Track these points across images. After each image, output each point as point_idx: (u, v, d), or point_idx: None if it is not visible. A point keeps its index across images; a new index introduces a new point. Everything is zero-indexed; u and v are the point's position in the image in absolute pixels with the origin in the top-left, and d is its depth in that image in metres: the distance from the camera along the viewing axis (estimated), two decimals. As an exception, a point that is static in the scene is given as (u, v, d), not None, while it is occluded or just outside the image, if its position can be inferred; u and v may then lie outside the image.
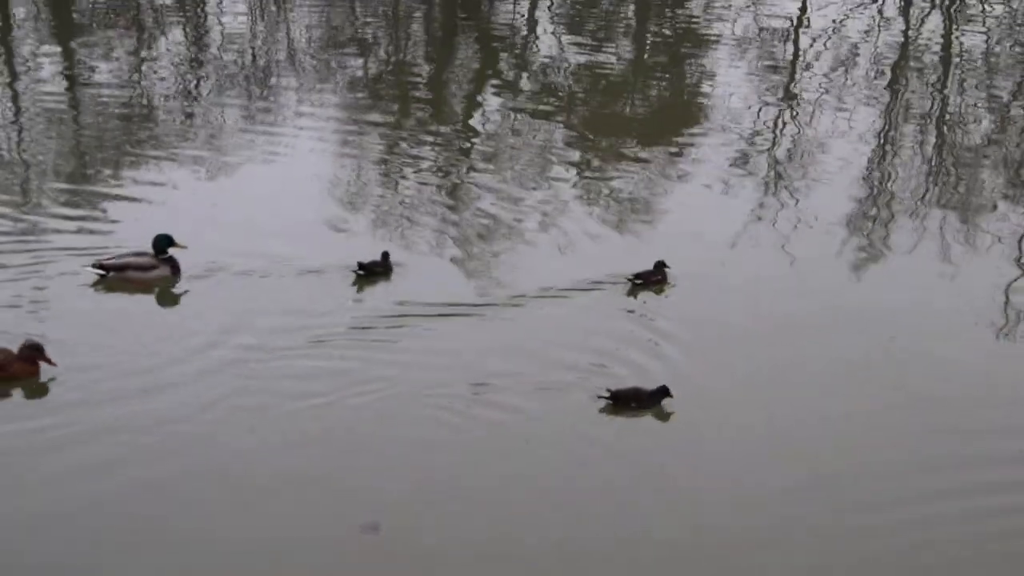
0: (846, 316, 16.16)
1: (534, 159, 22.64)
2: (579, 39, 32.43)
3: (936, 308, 16.60)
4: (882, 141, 24.61)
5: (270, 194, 19.94)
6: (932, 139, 25.12)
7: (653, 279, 16.84)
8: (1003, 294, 17.19)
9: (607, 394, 13.59)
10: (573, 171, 21.85)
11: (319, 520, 11.53)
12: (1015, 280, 17.70)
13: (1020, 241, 19.16)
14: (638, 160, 22.46)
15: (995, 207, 20.85)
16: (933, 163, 23.51)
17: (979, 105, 27.49)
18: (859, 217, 20.09)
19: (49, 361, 13.60)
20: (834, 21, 35.00)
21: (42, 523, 11.36)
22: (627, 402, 13.52)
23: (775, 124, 25.33)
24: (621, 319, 15.94)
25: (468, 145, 23.38)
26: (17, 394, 13.51)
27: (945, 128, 25.93)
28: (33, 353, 13.53)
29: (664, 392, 13.59)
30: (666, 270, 16.86)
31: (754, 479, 12.47)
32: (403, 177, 21.25)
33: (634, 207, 20.27)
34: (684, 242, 17.97)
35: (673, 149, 23.47)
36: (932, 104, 27.63)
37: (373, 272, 16.56)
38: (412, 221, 19.18)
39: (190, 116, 24.49)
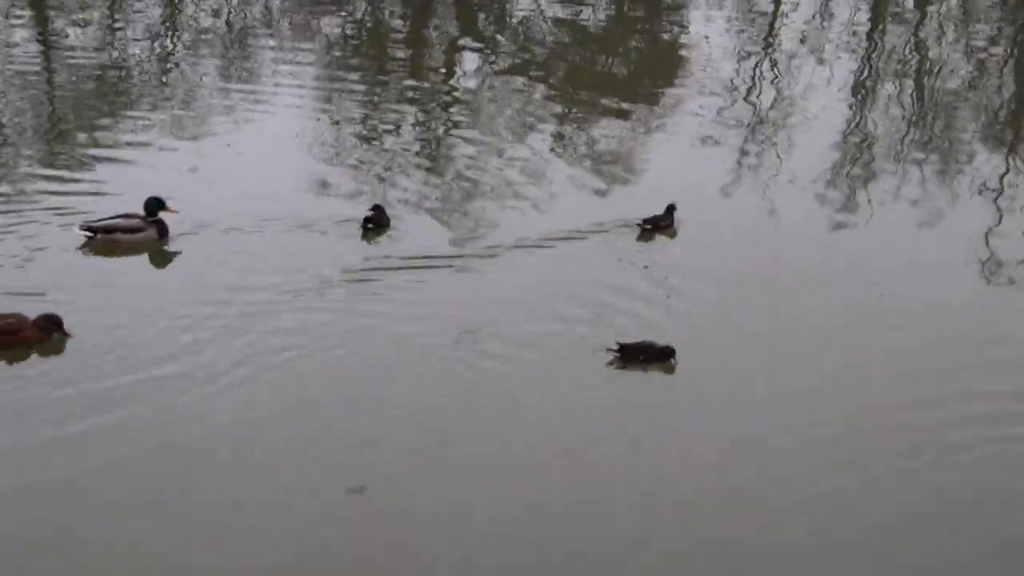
0: (837, 265, 16.22)
1: (515, 114, 22.56)
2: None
3: (923, 256, 16.64)
4: (862, 91, 24.65)
5: (252, 152, 19.83)
6: (912, 87, 25.16)
7: (663, 224, 16.96)
8: (991, 240, 17.27)
9: (615, 347, 13.54)
10: (555, 125, 21.80)
11: (315, 486, 11.38)
12: (1001, 227, 17.83)
13: (1002, 181, 19.31)
14: (619, 113, 22.45)
15: (975, 154, 20.94)
16: (914, 111, 23.56)
17: (958, 53, 27.54)
18: (841, 167, 20.14)
19: (66, 333, 13.63)
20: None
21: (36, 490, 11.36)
22: (635, 356, 13.47)
23: (755, 76, 25.32)
24: (623, 266, 15.96)
25: (449, 100, 23.28)
26: (32, 359, 13.44)
27: (925, 76, 25.98)
28: (50, 325, 13.58)
29: (670, 352, 13.52)
30: (675, 215, 17.01)
31: (753, 430, 12.48)
32: (386, 133, 21.18)
33: (617, 160, 20.24)
34: (671, 193, 17.88)
35: (654, 102, 23.45)
36: (911, 53, 27.67)
37: (380, 224, 16.69)
38: (400, 175, 19.12)
39: (168, 76, 24.27)
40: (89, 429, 12.09)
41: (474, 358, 13.56)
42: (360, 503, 11.21)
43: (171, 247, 16.31)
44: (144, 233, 16.32)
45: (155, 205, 16.42)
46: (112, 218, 16.31)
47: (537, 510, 11.20)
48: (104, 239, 16.09)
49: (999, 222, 17.93)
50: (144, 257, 16.13)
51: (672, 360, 13.53)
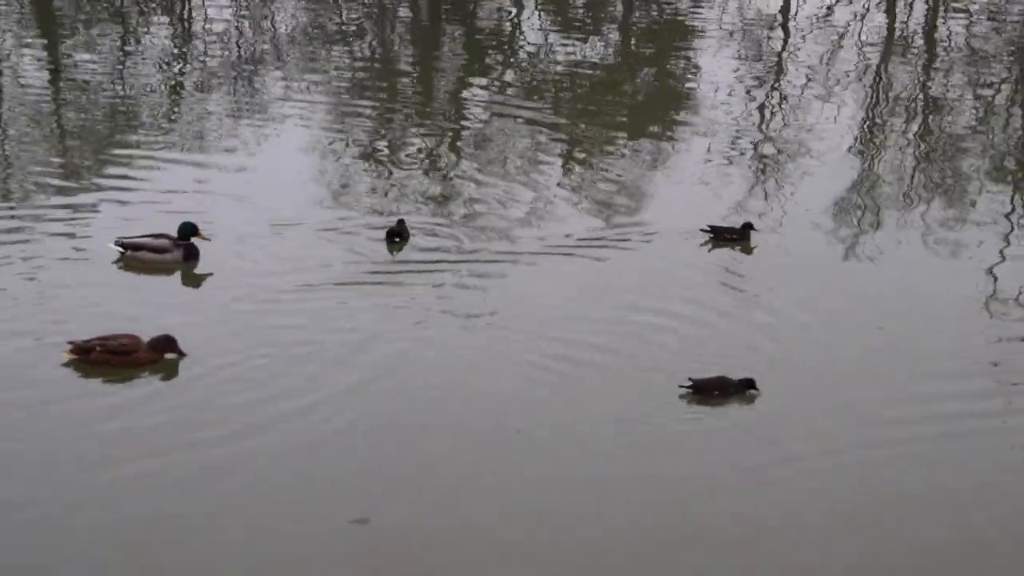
0: (847, 304, 16.02)
1: (524, 143, 22.56)
2: (565, 28, 32.50)
3: (949, 297, 16.41)
4: (870, 127, 24.72)
5: (262, 170, 20.24)
6: (920, 125, 25.25)
7: (731, 236, 17.43)
8: (1003, 278, 17.17)
9: (688, 383, 13.18)
10: (563, 154, 21.89)
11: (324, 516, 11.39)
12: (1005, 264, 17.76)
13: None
14: (625, 148, 22.45)
15: (980, 193, 20.86)
16: (922, 148, 23.58)
17: (964, 92, 27.70)
18: (847, 206, 19.94)
19: (181, 352, 13.67)
20: (820, 9, 35.23)
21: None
22: (709, 391, 13.12)
23: (763, 111, 25.39)
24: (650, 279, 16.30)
25: (455, 132, 23.29)
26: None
27: (933, 114, 26.09)
28: (165, 346, 13.59)
29: (749, 384, 13.19)
30: (751, 232, 17.51)
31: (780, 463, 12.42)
32: (395, 157, 21.43)
33: (621, 193, 20.12)
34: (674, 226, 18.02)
35: (660, 137, 23.42)
36: (919, 90, 27.85)
37: (402, 237, 17.19)
38: (411, 195, 19.41)
39: (177, 105, 24.32)
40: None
41: (522, 373, 13.76)
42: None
43: (199, 270, 16.49)
44: (171, 254, 16.52)
45: (188, 229, 16.65)
46: (144, 236, 16.55)
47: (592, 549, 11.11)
48: (132, 256, 16.34)
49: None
50: (173, 278, 16.30)
51: (752, 391, 13.20)
